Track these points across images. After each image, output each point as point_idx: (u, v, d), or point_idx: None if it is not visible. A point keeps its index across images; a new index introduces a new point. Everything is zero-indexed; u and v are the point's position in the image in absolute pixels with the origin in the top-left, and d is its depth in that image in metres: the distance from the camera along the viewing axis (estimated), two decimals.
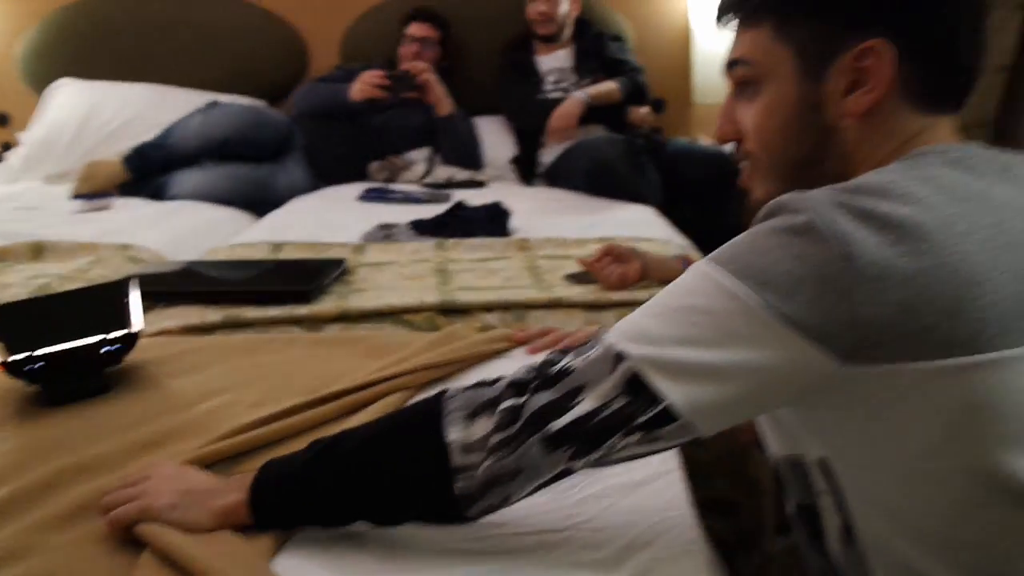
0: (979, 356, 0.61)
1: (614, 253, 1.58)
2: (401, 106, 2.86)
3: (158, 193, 2.66)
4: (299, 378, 1.22)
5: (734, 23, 0.81)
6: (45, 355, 1.16)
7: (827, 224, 0.63)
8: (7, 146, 3.25)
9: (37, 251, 1.93)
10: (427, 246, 1.91)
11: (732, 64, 0.81)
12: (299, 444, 0.91)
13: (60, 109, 3.06)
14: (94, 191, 2.67)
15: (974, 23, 0.74)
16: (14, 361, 1.15)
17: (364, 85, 2.79)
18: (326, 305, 1.51)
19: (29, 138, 3.06)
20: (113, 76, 3.12)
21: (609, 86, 2.83)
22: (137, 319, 1.24)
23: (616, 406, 0.68)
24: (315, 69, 3.21)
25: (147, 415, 1.14)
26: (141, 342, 1.29)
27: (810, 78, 0.75)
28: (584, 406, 0.69)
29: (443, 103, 2.89)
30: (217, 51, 3.17)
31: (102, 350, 1.20)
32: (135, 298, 1.25)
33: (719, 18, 0.83)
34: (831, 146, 0.76)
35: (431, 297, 1.53)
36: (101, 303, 1.25)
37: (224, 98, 2.93)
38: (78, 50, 3.18)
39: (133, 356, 1.25)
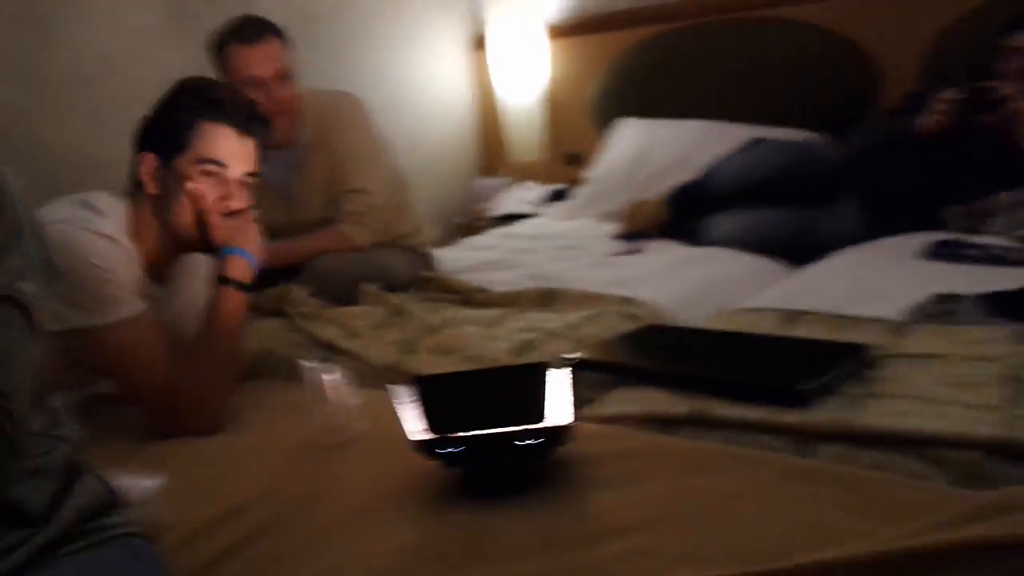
0: None
1: None
2: (986, 136, 2.21)
3: (694, 236, 2.48)
4: (756, 527, 0.87)
5: None
6: (461, 439, 1.00)
7: None
8: (575, 183, 3.41)
9: (547, 299, 1.87)
10: (1000, 335, 1.35)
11: None
12: None
13: (617, 149, 3.09)
14: (635, 231, 2.60)
15: None
16: (427, 441, 1.01)
17: (932, 115, 2.22)
18: (823, 415, 1.11)
19: (591, 177, 3.16)
20: (669, 114, 3.05)
21: None
22: (565, 412, 1.02)
23: None
24: (888, 96, 2.70)
25: (557, 538, 0.91)
26: (586, 427, 1.09)
27: None
28: None
29: None
30: (773, 80, 2.86)
31: (521, 443, 1.00)
32: (566, 385, 1.02)
33: None
34: None
35: (987, 427, 1.02)
36: (524, 385, 1.05)
37: (777, 133, 2.63)
38: (638, 89, 3.18)
39: (567, 445, 1.04)
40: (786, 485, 0.95)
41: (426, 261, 2.32)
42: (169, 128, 1.39)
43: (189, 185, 1.37)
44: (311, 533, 1.00)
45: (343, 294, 1.99)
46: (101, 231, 1.32)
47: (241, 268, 1.40)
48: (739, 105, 2.90)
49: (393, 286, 2.06)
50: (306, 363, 1.25)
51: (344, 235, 2.09)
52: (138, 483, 1.04)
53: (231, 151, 1.39)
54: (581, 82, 3.40)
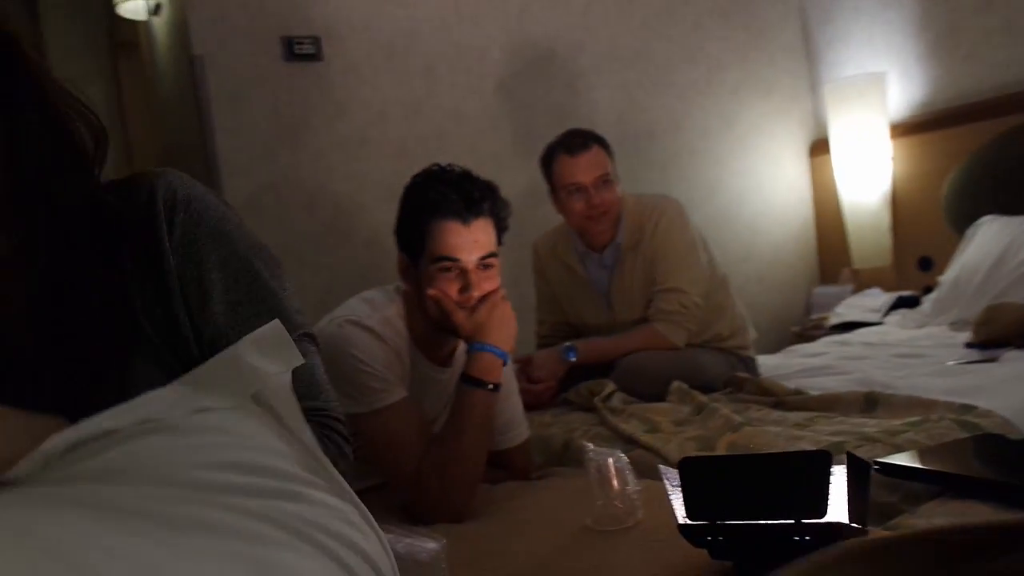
0: None
1: None
2: None
3: None
4: None
5: None
6: (726, 528, 0.95)
7: None
8: (928, 290, 3.11)
9: (869, 404, 1.70)
10: None
11: None
12: None
13: (976, 249, 2.77)
14: (991, 339, 2.30)
15: None
16: (694, 527, 0.97)
17: None
18: None
19: (944, 281, 2.86)
20: None
21: None
22: (858, 510, 0.92)
23: None
24: None
25: None
26: (882, 534, 0.96)
27: None
28: None
29: None
30: None
31: (796, 537, 0.91)
32: (839, 479, 0.93)
33: None
34: None
35: None
36: (806, 475, 0.96)
37: None
38: (1002, 185, 2.85)
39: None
40: None
41: (746, 364, 2.25)
42: (407, 231, 1.47)
43: (428, 292, 1.42)
44: None
45: (653, 392, 1.99)
46: (366, 324, 1.42)
47: (487, 365, 1.41)
48: None
49: (705, 386, 2.02)
50: (591, 448, 1.27)
51: (658, 333, 2.11)
52: (424, 545, 1.11)
53: (459, 243, 1.41)
54: (930, 180, 3.14)
